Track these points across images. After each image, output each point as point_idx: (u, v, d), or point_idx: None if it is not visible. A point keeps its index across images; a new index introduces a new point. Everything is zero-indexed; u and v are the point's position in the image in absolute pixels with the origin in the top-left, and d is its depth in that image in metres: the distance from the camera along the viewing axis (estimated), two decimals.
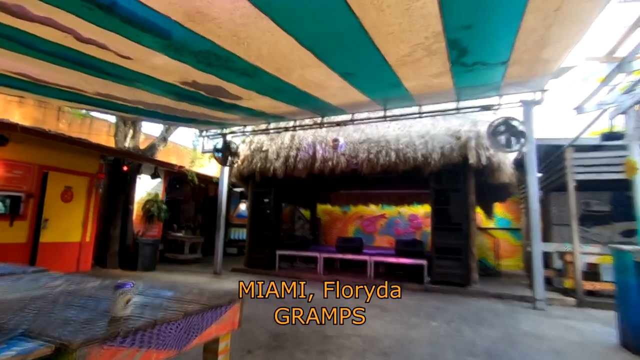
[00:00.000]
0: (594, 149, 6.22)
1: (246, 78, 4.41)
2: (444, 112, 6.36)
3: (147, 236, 9.11)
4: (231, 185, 11.88)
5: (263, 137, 8.97)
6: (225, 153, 7.94)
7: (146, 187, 9.60)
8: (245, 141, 9.15)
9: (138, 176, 8.80)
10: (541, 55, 4.05)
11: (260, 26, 3.06)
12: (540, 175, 5.78)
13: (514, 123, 5.59)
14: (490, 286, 7.02)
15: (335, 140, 7.22)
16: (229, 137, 8.33)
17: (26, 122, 8.18)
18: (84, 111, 9.53)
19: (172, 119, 6.71)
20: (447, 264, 6.95)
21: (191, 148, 10.61)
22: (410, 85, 5.13)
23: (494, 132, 5.75)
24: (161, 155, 10.02)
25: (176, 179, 11.07)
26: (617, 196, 7.93)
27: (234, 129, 8.27)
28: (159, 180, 9.93)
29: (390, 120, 6.93)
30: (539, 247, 5.55)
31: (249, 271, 8.56)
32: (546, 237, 8.18)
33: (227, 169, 8.39)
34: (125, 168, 7.77)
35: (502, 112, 6.13)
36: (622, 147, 6.26)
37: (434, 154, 6.78)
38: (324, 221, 13.83)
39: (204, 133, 8.56)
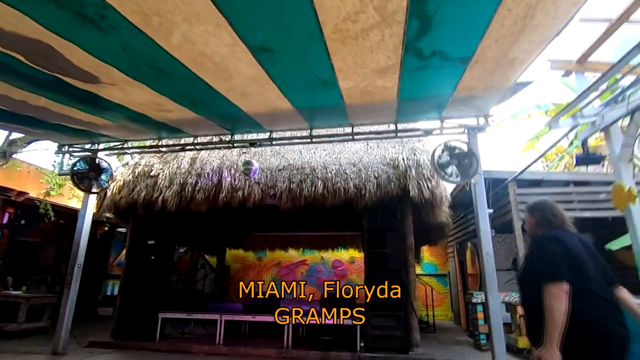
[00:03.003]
0: (536, 185, 5.69)
1: (92, 30, 2.65)
2: (380, 135, 5.30)
3: None
4: (108, 223, 9.22)
5: (154, 160, 6.92)
6: (90, 175, 5.68)
7: None
8: (129, 164, 6.96)
9: None
10: (510, 50, 3.16)
11: None
12: (491, 211, 4.91)
13: (463, 148, 4.71)
14: (434, 349, 5.74)
15: (248, 164, 5.61)
16: (103, 155, 6.11)
17: None
18: None
19: None
20: (384, 323, 5.52)
21: (52, 171, 7.84)
22: (347, 88, 3.91)
23: (440, 158, 4.78)
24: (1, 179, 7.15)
25: (28, 213, 8.07)
26: None
27: (112, 144, 6.10)
28: None
29: (316, 142, 5.63)
30: (496, 302, 4.46)
31: (117, 345, 5.98)
32: (480, 285, 7.44)
33: (92, 198, 6.04)
34: None
35: (441, 139, 5.28)
36: (561, 183, 5.89)
37: (368, 184, 5.59)
38: (234, 269, 11.63)
39: (66, 148, 6.19)
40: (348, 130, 5.37)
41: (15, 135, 6.92)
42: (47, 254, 9.52)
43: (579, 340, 1.74)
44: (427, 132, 5.26)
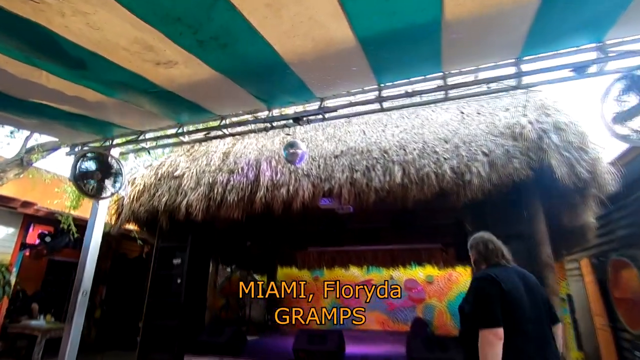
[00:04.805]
0: None
1: None
2: (498, 83, 3.31)
3: None
4: (141, 240, 8.14)
5: (181, 159, 5.60)
6: (97, 176, 4.42)
7: None
8: (152, 164, 5.72)
9: None
10: None
11: None
12: None
13: None
14: None
15: (292, 146, 3.96)
16: (116, 153, 4.89)
17: None
18: None
19: None
20: None
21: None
22: None
23: (620, 98, 2.71)
24: (24, 190, 6.32)
25: (55, 230, 7.23)
26: None
27: (126, 138, 4.87)
28: (10, 230, 6.11)
29: (389, 109, 3.81)
30: None
31: None
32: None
33: (102, 205, 4.78)
34: None
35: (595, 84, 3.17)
36: None
37: (474, 165, 3.61)
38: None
39: (79, 148, 5.09)
40: (438, 87, 3.51)
41: (33, 141, 6.07)
42: None
43: None
44: (579, 70, 3.17)
